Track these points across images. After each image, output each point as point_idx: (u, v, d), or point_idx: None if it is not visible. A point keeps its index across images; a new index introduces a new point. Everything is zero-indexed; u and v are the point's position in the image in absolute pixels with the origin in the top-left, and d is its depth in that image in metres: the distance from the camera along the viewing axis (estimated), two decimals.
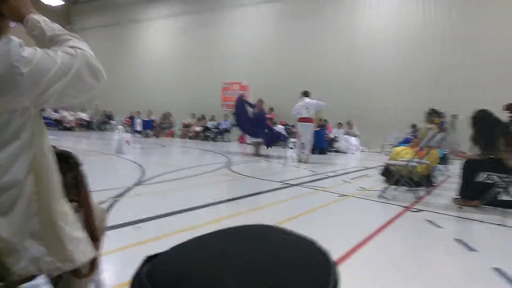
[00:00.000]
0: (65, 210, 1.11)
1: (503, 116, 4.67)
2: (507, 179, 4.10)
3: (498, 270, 2.34)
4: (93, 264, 1.20)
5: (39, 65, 0.97)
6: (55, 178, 1.10)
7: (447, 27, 12.80)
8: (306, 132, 8.78)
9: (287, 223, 3.29)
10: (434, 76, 12.88)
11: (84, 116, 19.48)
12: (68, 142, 11.64)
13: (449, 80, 12.60)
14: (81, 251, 1.10)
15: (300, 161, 8.59)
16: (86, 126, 19.51)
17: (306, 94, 8.84)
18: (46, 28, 1.12)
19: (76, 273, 1.14)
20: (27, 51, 0.97)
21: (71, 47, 1.07)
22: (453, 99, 12.04)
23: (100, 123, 19.81)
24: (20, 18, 1.11)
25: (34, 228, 1.03)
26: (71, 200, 1.24)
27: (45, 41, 1.11)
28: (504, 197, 4.28)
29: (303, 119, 8.69)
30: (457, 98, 12.03)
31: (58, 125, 17.80)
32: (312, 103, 8.69)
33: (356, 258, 2.47)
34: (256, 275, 0.49)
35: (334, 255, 2.30)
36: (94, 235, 1.27)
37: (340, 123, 13.66)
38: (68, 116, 18.45)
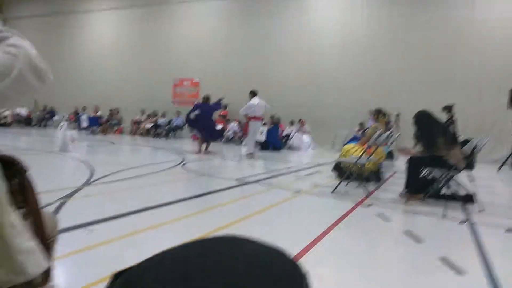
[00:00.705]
0: (12, 220, 1.01)
1: (442, 116, 5.02)
2: (447, 174, 4.41)
3: (444, 259, 2.51)
4: (46, 273, 1.11)
5: None
6: None
7: (387, 31, 13.55)
8: (258, 130, 8.96)
9: (242, 221, 3.29)
10: (377, 77, 13.56)
11: (22, 111, 18.14)
12: (5, 140, 10.79)
13: (390, 81, 13.34)
14: (34, 262, 1.02)
15: (252, 158, 8.62)
16: (25, 122, 18.19)
17: (255, 93, 8.87)
18: None
19: (30, 284, 1.05)
20: None
21: (12, 45, 0.97)
22: (395, 99, 12.76)
23: (40, 119, 18.56)
24: None
25: None
26: (17, 208, 1.14)
27: None
28: (446, 191, 4.60)
29: (257, 118, 8.76)
30: (398, 98, 12.78)
31: None
32: (263, 102, 8.84)
33: (311, 255, 2.53)
34: None
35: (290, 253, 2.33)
36: (46, 244, 1.18)
37: (292, 121, 13.94)
38: (3, 111, 17.05)
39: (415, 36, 13.09)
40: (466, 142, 4.98)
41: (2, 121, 16.73)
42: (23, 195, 1.18)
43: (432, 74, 12.70)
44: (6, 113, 17.11)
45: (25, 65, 0.95)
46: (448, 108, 5.37)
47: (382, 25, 13.66)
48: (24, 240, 1.02)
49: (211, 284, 0.47)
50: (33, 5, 21.12)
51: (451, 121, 5.27)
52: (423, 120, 4.68)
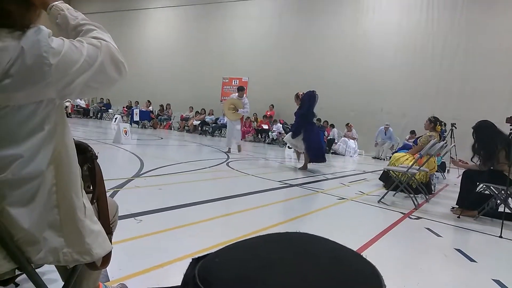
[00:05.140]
0: (84, 203, 1.09)
1: (505, 128, 4.69)
2: (506, 191, 4.12)
3: (498, 282, 2.36)
4: (106, 257, 1.19)
5: (66, 56, 0.95)
6: (75, 170, 1.08)
7: (448, 37, 12.89)
8: None
9: (285, 224, 3.29)
10: (432, 83, 12.96)
11: (81, 102, 19.34)
12: None
13: (446, 88, 12.70)
14: (99, 245, 1.09)
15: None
16: (83, 113, 19.37)
17: None
18: (70, 16, 1.10)
19: (91, 265, 1.12)
20: (56, 42, 0.94)
21: (96, 38, 1.05)
22: (451, 107, 12.14)
23: (97, 111, 19.68)
24: (43, 5, 1.09)
25: (54, 220, 1.01)
26: (86, 192, 1.22)
27: (68, 30, 1.09)
28: (503, 209, 4.30)
29: None
30: (455, 106, 12.14)
31: None
32: None
33: None
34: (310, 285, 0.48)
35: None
36: (108, 228, 1.26)
37: (332, 124, 13.72)
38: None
39: (478, 41, 12.34)
40: None
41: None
42: (92, 180, 1.26)
43: (495, 82, 11.89)
44: (67, 103, 18.28)
45: (106, 56, 1.02)
46: None
47: (442, 29, 13.02)
48: (92, 222, 1.09)
49: (293, 274, 0.48)
50: (98, 3, 22.55)
51: None
52: (484, 131, 4.39)
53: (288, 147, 11.90)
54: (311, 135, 7.26)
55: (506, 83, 11.70)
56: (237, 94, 9.32)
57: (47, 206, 1.00)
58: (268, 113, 15.20)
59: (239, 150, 9.36)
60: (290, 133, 7.66)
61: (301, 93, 7.57)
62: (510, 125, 4.68)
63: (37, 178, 0.97)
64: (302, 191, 5.02)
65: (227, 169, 6.36)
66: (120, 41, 20.75)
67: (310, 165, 7.51)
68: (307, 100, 7.35)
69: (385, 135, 12.49)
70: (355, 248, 2.74)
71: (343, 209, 4.20)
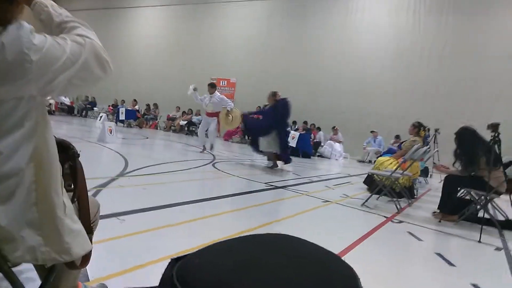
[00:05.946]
0: (64, 201, 1.07)
1: (486, 134, 4.80)
2: (486, 197, 4.21)
3: (476, 286, 2.41)
4: (86, 257, 1.17)
5: (48, 53, 0.93)
6: (55, 168, 1.06)
7: (435, 39, 13.10)
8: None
9: (268, 226, 3.29)
10: (418, 86, 13.16)
11: (65, 100, 18.99)
12: None
13: (432, 91, 12.89)
14: (79, 244, 1.07)
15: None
16: (67, 111, 19.03)
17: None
18: (54, 13, 1.08)
19: (70, 264, 1.11)
20: (38, 38, 0.93)
21: (80, 35, 1.04)
22: (434, 111, 12.32)
23: (81, 109, 19.37)
24: (27, 1, 1.07)
25: (32, 218, 1.00)
26: (67, 190, 1.20)
27: (52, 26, 1.08)
28: (482, 214, 4.40)
29: None
30: (438, 111, 12.33)
31: None
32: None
33: None
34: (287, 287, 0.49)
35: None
36: (89, 227, 1.24)
37: (318, 127, 13.81)
38: (48, 99, 17.88)
39: (466, 44, 12.54)
40: (510, 163, 4.75)
41: (48, 109, 17.52)
42: (73, 178, 1.24)
43: (481, 85, 12.07)
44: (51, 101, 17.91)
45: (90, 54, 1.01)
46: (494, 126, 5.10)
47: (429, 30, 13.21)
48: (72, 222, 1.08)
49: (271, 275, 0.48)
50: (81, 0, 22.19)
51: (496, 140, 5.03)
52: (466, 137, 4.48)
53: None
54: (283, 138, 7.44)
55: (492, 87, 11.92)
56: (209, 93, 9.28)
57: (25, 204, 0.98)
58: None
59: (212, 148, 9.05)
60: (263, 141, 7.60)
61: (279, 94, 7.58)
62: (491, 132, 4.80)
63: (16, 175, 0.95)
64: (287, 193, 5.04)
65: (213, 170, 6.34)
66: (107, 39, 20.51)
67: (296, 167, 7.55)
68: (281, 109, 7.36)
69: (375, 142, 12.62)
70: (337, 250, 2.76)
71: (327, 212, 4.23)
